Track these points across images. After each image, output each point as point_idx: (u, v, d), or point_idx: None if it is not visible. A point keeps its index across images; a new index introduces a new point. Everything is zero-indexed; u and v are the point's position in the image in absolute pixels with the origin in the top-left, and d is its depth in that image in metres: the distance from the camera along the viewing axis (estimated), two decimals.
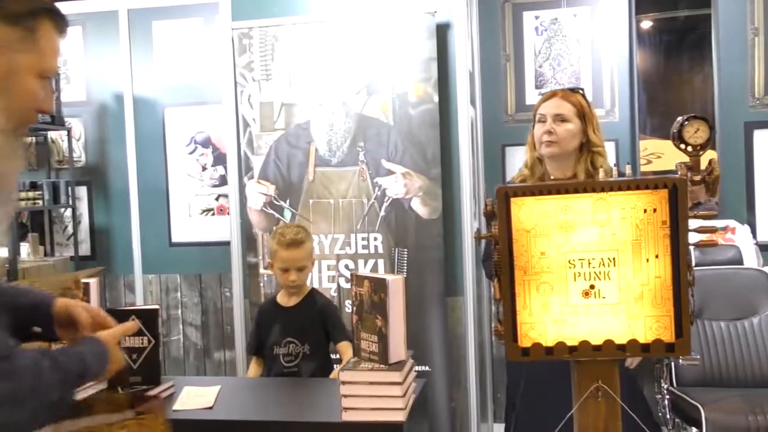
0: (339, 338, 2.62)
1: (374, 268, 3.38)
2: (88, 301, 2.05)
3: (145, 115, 4.16)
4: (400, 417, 1.72)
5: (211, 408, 1.88)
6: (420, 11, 3.32)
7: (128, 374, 1.98)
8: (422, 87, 3.31)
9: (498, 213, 1.81)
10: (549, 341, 1.83)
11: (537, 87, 4.29)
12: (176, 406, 1.89)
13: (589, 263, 1.81)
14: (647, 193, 1.79)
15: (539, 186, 1.80)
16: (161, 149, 4.34)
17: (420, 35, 3.31)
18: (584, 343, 1.81)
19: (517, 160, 3.63)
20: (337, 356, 2.69)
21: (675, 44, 5.36)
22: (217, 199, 4.33)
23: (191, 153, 4.39)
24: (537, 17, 4.41)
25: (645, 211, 1.79)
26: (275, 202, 3.47)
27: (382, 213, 3.36)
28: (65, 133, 4.36)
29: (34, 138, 4.48)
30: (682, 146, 1.86)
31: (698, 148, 1.84)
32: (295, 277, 2.61)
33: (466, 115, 3.33)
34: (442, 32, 3.38)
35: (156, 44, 4.34)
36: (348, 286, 3.36)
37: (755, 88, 4.04)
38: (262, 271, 3.51)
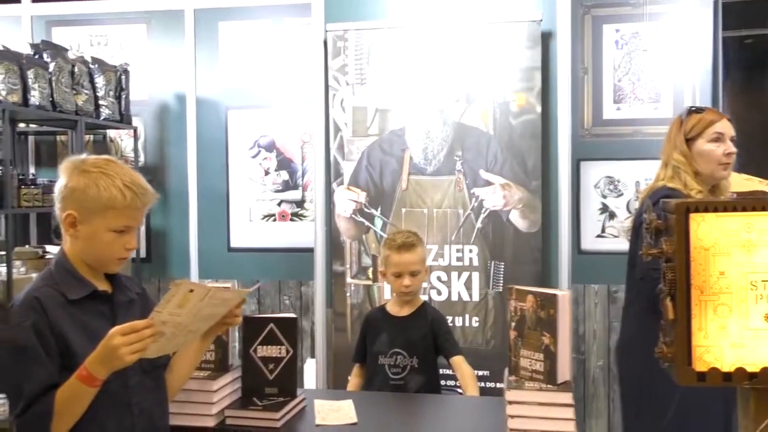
0: (453, 352, 2.58)
1: (468, 281, 3.34)
2: None
3: (207, 116, 4.14)
4: None
5: (355, 424, 1.83)
6: (525, 19, 3.29)
7: (263, 385, 1.94)
8: (524, 96, 3.28)
9: (676, 229, 1.76)
10: (726, 366, 1.77)
11: (615, 102, 4.23)
12: (318, 421, 1.84)
13: None
14: None
15: (723, 202, 1.75)
16: (223, 152, 4.31)
17: (523, 43, 3.28)
18: (766, 370, 1.75)
19: (591, 176, 3.58)
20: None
21: (763, 64, 5.31)
22: (279, 204, 4.29)
23: (254, 157, 4.35)
24: (617, 30, 4.35)
25: None
26: (366, 209, 3.44)
27: (479, 225, 3.33)
28: (126, 132, 4.33)
29: (92, 136, 4.46)
30: None
31: None
32: (409, 282, 2.58)
33: (567, 127, 3.29)
34: (544, 41, 3.35)
35: (221, 45, 4.32)
36: (440, 298, 3.32)
37: None
38: (349, 280, 3.47)
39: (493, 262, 3.33)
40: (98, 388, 1.43)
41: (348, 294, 3.48)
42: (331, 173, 3.51)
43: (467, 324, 3.32)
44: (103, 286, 1.57)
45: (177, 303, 1.43)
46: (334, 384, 3.40)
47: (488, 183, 3.32)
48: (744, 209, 1.76)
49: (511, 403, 1.70)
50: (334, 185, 3.50)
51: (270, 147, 4.31)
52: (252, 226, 4.29)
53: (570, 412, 1.68)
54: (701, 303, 1.79)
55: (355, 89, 3.44)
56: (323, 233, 3.55)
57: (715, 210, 1.76)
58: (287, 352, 1.94)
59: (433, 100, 3.37)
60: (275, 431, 1.79)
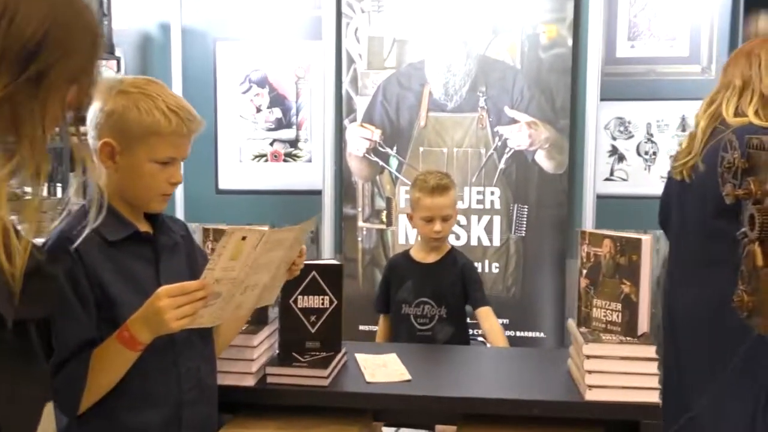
0: (481, 303, 2.45)
1: (489, 225, 3.21)
2: None
3: (193, 48, 3.84)
4: (654, 398, 1.55)
5: (410, 381, 1.69)
6: None
7: (304, 339, 1.78)
8: (555, 28, 3.09)
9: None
10: None
11: (630, 39, 4.05)
12: (369, 379, 1.70)
13: None
14: None
15: None
16: (211, 87, 4.04)
17: None
18: None
19: (605, 115, 3.42)
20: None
21: None
22: (271, 144, 4.06)
23: (245, 93, 4.10)
24: None
25: None
26: (380, 148, 3.26)
27: (502, 165, 3.18)
28: (106, 64, 4.04)
29: None
30: None
31: None
32: (440, 228, 2.43)
33: (597, 62, 3.12)
34: None
35: None
36: (459, 243, 3.18)
37: None
38: (361, 224, 3.31)
39: (516, 205, 3.19)
40: (141, 353, 1.26)
41: (360, 239, 3.31)
42: (343, 109, 3.30)
43: (487, 270, 3.19)
44: (144, 227, 1.39)
45: (229, 255, 1.25)
46: (345, 333, 3.26)
47: (513, 121, 3.15)
48: None
49: (589, 357, 1.56)
50: (345, 122, 3.30)
51: (262, 82, 4.03)
52: (242, 167, 4.06)
53: (654, 367, 1.56)
54: None
55: (371, 17, 3.21)
56: (332, 173, 3.36)
57: None
58: (331, 302, 1.78)
59: (456, 30, 3.16)
60: (322, 390, 1.64)
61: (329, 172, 3.36)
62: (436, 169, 2.67)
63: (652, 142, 3.60)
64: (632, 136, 3.56)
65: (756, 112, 1.97)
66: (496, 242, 3.21)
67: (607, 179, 3.46)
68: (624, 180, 3.57)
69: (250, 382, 1.65)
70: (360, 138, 3.27)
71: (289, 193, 3.64)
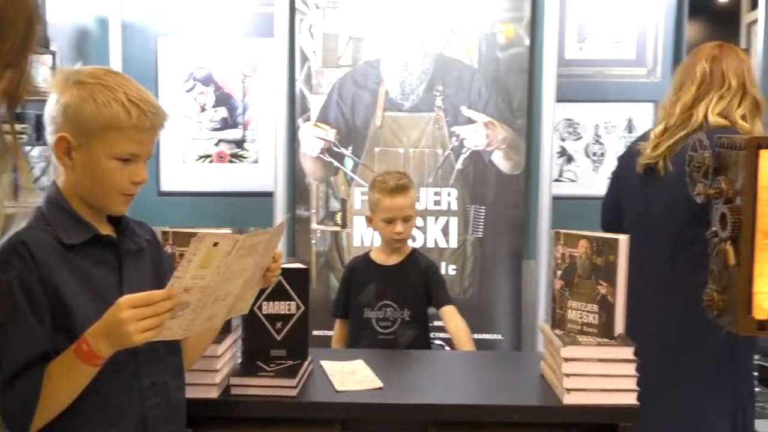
0: (444, 302, 2.42)
1: (446, 227, 3.17)
2: None
3: (133, 44, 3.68)
4: (632, 400, 1.52)
5: (381, 388, 1.63)
6: None
7: (269, 347, 1.70)
8: (512, 28, 3.08)
9: (744, 166, 1.61)
10: None
11: (579, 41, 4.10)
12: (339, 387, 1.63)
13: None
14: None
15: None
16: (152, 85, 3.88)
17: None
18: None
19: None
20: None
21: (729, 12, 5.33)
22: (217, 144, 3.94)
23: (189, 91, 3.97)
24: None
25: None
26: (335, 148, 3.19)
27: (459, 166, 3.15)
28: (38, 58, 3.83)
29: None
30: None
31: None
32: (402, 229, 2.39)
33: (554, 63, 3.12)
34: None
35: None
36: (415, 245, 3.12)
37: None
38: (314, 226, 3.23)
39: (473, 206, 3.16)
40: (100, 367, 1.16)
41: (313, 241, 3.23)
42: (296, 108, 3.21)
43: (444, 272, 3.13)
44: (106, 230, 1.28)
45: (200, 263, 1.15)
46: None
47: (470, 121, 3.12)
48: None
49: (567, 360, 1.53)
50: (299, 121, 3.21)
51: (207, 80, 3.90)
52: (186, 168, 3.92)
53: (632, 368, 1.53)
54: (764, 247, 1.66)
55: (325, 13, 3.14)
56: (285, 174, 3.26)
57: None
58: (297, 308, 1.70)
59: (413, 28, 3.11)
60: (291, 401, 1.56)
61: (281, 172, 3.26)
62: (395, 170, 2.62)
63: (600, 143, 3.64)
64: (581, 138, 3.59)
65: (743, 117, 1.97)
66: (453, 244, 3.18)
67: (556, 180, 3.48)
68: (573, 181, 3.60)
69: (213, 394, 1.56)
70: (314, 138, 3.19)
71: (235, 195, 3.53)
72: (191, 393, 1.52)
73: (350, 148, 3.18)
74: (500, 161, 3.14)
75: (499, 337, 3.15)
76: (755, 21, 4.80)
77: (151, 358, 1.27)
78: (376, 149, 3.16)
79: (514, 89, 3.11)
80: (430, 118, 3.13)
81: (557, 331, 1.65)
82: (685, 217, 1.92)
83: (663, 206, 2.02)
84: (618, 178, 2.26)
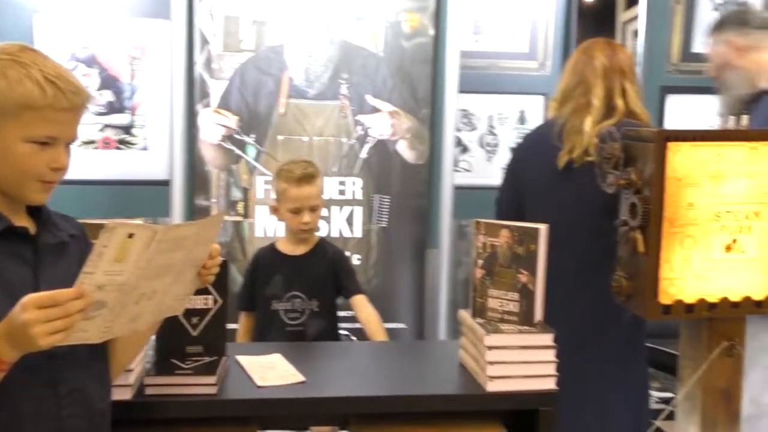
0: (355, 291, 2.43)
1: (350, 217, 3.15)
2: None
3: (6, 22, 3.42)
4: (552, 385, 1.57)
5: (304, 382, 1.59)
6: None
7: (185, 343, 1.62)
8: (418, 18, 3.09)
9: (653, 158, 1.69)
10: (688, 298, 1.76)
11: (474, 33, 4.18)
12: (260, 383, 1.58)
13: (735, 216, 1.76)
14: None
15: (700, 132, 1.70)
16: None
17: None
18: (724, 300, 1.77)
19: None
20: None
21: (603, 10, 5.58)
22: (102, 129, 3.74)
23: None
24: None
25: None
26: (237, 136, 3.09)
27: (364, 155, 3.13)
28: None
29: None
30: None
31: None
32: (309, 219, 2.36)
33: (457, 53, 3.16)
34: None
35: None
36: (319, 235, 3.08)
37: (671, 54, 4.20)
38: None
39: (377, 196, 3.16)
40: (5, 372, 1.06)
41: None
42: (196, 93, 3.09)
43: None
44: (22, 221, 1.17)
45: (113, 256, 1.06)
46: None
47: (376, 110, 3.11)
48: (720, 139, 1.74)
49: (491, 348, 1.55)
50: (198, 107, 3.08)
51: (91, 62, 3.67)
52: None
53: (552, 354, 1.57)
54: (670, 235, 1.75)
55: None
56: (183, 162, 3.13)
57: (693, 139, 1.72)
58: (215, 301, 1.63)
59: (318, 14, 3.05)
60: (211, 399, 1.50)
61: (179, 160, 3.13)
62: (300, 158, 2.58)
63: (494, 134, 3.73)
64: (475, 128, 3.67)
65: (636, 102, 2.09)
66: (358, 233, 3.16)
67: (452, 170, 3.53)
68: (468, 171, 3.67)
69: (126, 395, 1.47)
70: (215, 124, 3.07)
71: (124, 183, 3.35)
72: None
73: (253, 135, 3.09)
74: (405, 151, 3.15)
75: (403, 326, 3.16)
76: (631, 20, 5.07)
77: (72, 362, 1.17)
78: (280, 137, 3.09)
79: (418, 79, 3.13)
80: (335, 106, 3.09)
81: (478, 320, 1.67)
82: (602, 207, 1.97)
83: (578, 199, 2.09)
84: (517, 172, 2.30)
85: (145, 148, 3.33)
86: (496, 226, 1.65)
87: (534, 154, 2.25)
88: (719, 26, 2.56)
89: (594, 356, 2.04)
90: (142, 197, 3.31)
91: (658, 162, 1.68)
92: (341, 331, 2.66)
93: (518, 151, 2.36)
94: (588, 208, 2.05)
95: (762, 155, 1.74)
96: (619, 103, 2.11)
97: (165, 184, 3.23)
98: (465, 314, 1.73)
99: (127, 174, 3.32)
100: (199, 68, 3.06)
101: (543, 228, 1.61)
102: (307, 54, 3.06)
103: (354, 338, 2.92)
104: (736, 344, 1.79)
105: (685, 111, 3.99)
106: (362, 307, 2.39)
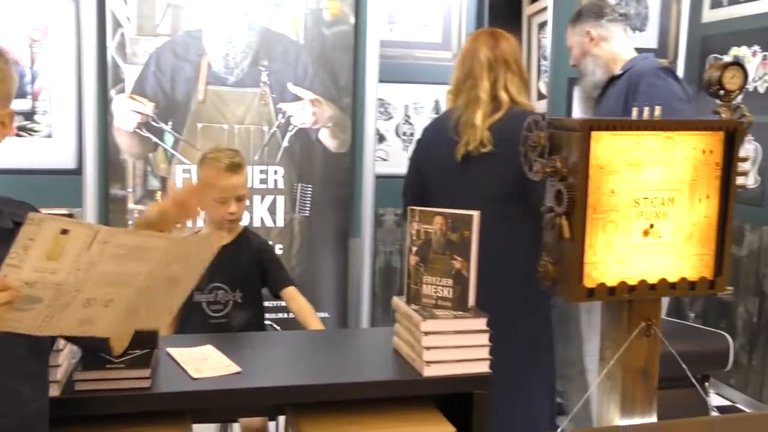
0: (285, 283, 2.39)
1: (272, 206, 3.11)
2: None
3: None
4: (485, 368, 1.61)
5: (240, 373, 1.57)
6: None
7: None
8: (338, 5, 3.08)
9: (578, 146, 1.76)
10: (610, 281, 1.85)
11: (389, 23, 4.22)
12: (195, 375, 1.55)
13: (651, 202, 1.85)
14: (708, 134, 1.87)
15: (620, 121, 1.78)
16: None
17: None
18: (642, 283, 1.86)
19: None
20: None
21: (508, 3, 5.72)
22: None
23: None
24: None
25: (703, 152, 1.87)
26: (153, 123, 3.00)
27: (285, 143, 3.10)
28: None
29: None
30: (721, 91, 1.96)
31: (732, 93, 1.96)
32: (236, 209, 2.32)
33: (377, 42, 3.17)
34: None
35: None
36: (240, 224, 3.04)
37: None
38: (132, 206, 3.02)
39: (299, 185, 3.14)
40: None
41: (131, 222, 3.02)
42: (108, 78, 2.97)
43: None
44: None
45: (44, 253, 0.99)
46: None
47: (297, 98, 3.09)
48: (638, 128, 1.82)
49: (427, 334, 1.57)
50: (112, 93, 2.97)
51: None
52: None
53: (485, 338, 1.62)
54: (593, 221, 1.83)
55: None
56: (96, 150, 3.01)
57: (614, 128, 1.80)
58: None
59: None
60: (146, 393, 1.46)
61: (91, 148, 3.00)
62: (225, 146, 2.52)
63: (410, 123, 3.77)
64: (391, 118, 3.69)
65: (519, 93, 2.23)
66: (280, 223, 3.14)
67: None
68: (384, 160, 3.70)
69: (55, 392, 1.41)
70: (129, 111, 2.97)
71: (27, 172, 3.19)
72: None
73: (170, 123, 3.01)
74: (327, 139, 3.15)
75: (326, 314, 3.16)
76: (536, 12, 5.22)
77: (5, 360, 1.11)
78: (199, 125, 3.03)
79: (340, 67, 3.12)
80: (256, 93, 3.05)
81: (413, 306, 1.69)
82: (499, 190, 2.18)
83: (476, 183, 2.21)
84: (420, 162, 2.38)
85: (49, 136, 3.18)
86: (430, 213, 1.68)
87: (435, 145, 2.34)
88: (577, 18, 2.77)
89: (506, 340, 2.12)
90: (48, 186, 3.16)
91: (582, 150, 1.75)
92: (266, 322, 2.63)
93: (420, 143, 2.44)
94: (487, 194, 2.18)
95: (676, 144, 1.84)
96: (503, 96, 2.23)
97: (74, 173, 3.10)
98: (399, 301, 1.75)
99: (31, 163, 3.16)
100: (111, 52, 2.95)
101: (476, 215, 1.64)
102: (225, 40, 3.00)
103: (278, 328, 2.90)
104: (653, 325, 1.89)
105: None
106: (293, 298, 2.36)
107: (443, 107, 3.99)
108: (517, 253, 2.17)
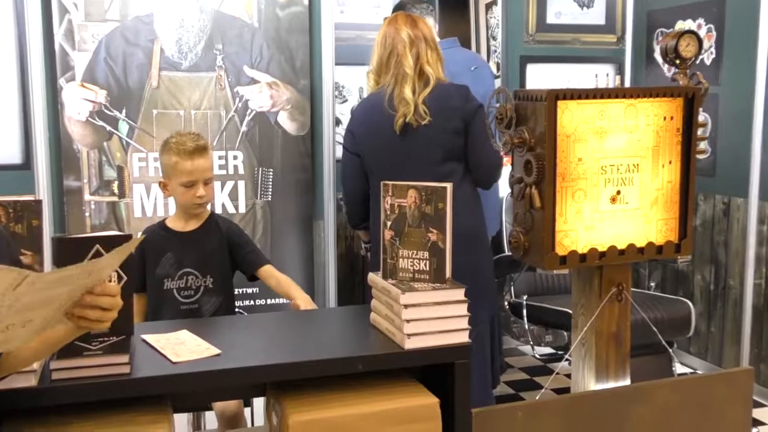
0: (261, 261, 2.39)
1: (234, 192, 3.09)
2: None
3: None
4: (465, 338, 1.64)
5: (219, 355, 1.57)
6: None
7: None
8: None
9: (546, 116, 1.79)
10: (581, 248, 1.90)
11: (339, 4, 4.21)
12: (174, 359, 1.53)
13: (617, 169, 1.91)
14: (668, 100, 1.94)
15: (584, 90, 1.82)
16: None
17: None
18: (612, 249, 1.92)
19: None
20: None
21: None
22: None
23: None
24: None
25: (664, 118, 1.93)
26: (107, 111, 2.94)
27: (244, 128, 3.08)
28: None
29: None
30: (677, 60, 2.02)
31: (687, 61, 2.02)
32: (204, 192, 2.30)
33: (332, 23, 3.16)
34: None
35: None
36: None
37: (529, 26, 4.44)
38: (87, 197, 2.95)
39: (260, 169, 3.12)
40: None
41: (87, 214, 2.96)
42: (57, 66, 2.89)
43: None
44: None
45: None
46: None
47: (254, 81, 3.06)
48: (602, 97, 1.87)
49: (407, 306, 1.59)
50: (61, 81, 2.89)
51: None
52: None
53: (464, 308, 1.64)
54: (563, 189, 1.87)
55: None
56: (46, 141, 2.92)
57: (579, 97, 1.84)
58: (120, 278, 1.55)
59: None
60: (126, 379, 1.44)
61: (41, 139, 2.92)
62: (187, 131, 2.50)
63: None
64: (346, 101, 3.69)
65: (439, 69, 2.42)
66: (242, 209, 3.12)
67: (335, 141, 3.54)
68: (339, 143, 3.70)
69: (31, 381, 1.38)
70: (81, 100, 2.90)
71: None
72: (3, 384, 1.34)
73: (124, 110, 2.96)
74: (286, 122, 3.13)
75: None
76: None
77: None
78: (154, 111, 2.98)
79: (296, 49, 3.10)
80: (211, 78, 3.02)
81: (390, 281, 1.70)
82: (441, 155, 2.38)
83: (420, 151, 2.39)
84: (359, 145, 2.50)
85: None
86: (403, 187, 1.69)
87: (370, 121, 2.48)
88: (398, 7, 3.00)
89: None
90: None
91: (549, 120, 1.79)
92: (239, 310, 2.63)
93: (353, 122, 2.57)
94: (431, 159, 2.38)
95: (638, 111, 1.90)
96: (428, 69, 2.40)
97: (21, 167, 3.01)
98: (376, 277, 1.76)
99: None
100: (59, 39, 2.87)
101: (449, 186, 1.66)
102: (177, 24, 2.95)
103: (243, 312, 2.89)
104: (624, 289, 1.95)
105: (543, 78, 4.23)
106: (271, 275, 2.37)
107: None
108: (463, 209, 2.26)
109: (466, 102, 2.38)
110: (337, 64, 3.37)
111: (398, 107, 2.39)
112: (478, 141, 2.36)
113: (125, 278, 1.57)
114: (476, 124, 2.36)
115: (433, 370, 1.67)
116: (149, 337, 1.66)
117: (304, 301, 2.22)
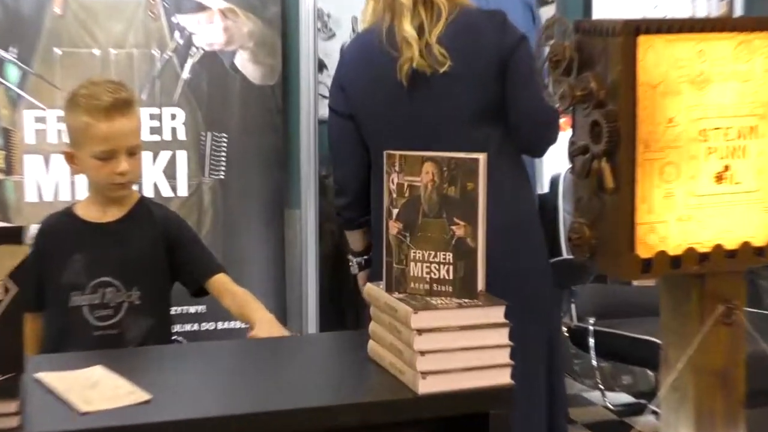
0: (212, 269, 2.42)
1: (170, 167, 3.14)
2: None
3: None
4: (506, 378, 1.63)
5: (149, 402, 1.57)
6: None
7: None
8: None
9: (621, 58, 1.77)
10: (672, 249, 1.88)
11: None
12: (84, 408, 1.54)
13: (725, 134, 1.89)
14: None
15: (678, 21, 1.80)
16: None
17: None
18: (718, 249, 1.89)
19: None
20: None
21: None
22: None
23: None
24: None
25: None
26: None
27: (186, 75, 3.14)
28: None
29: None
30: None
31: None
32: (127, 167, 2.31)
33: None
34: None
35: None
36: None
37: None
38: None
39: (209, 134, 3.18)
40: None
41: None
42: None
43: None
44: None
45: None
46: None
47: (201, 8, 3.11)
48: (703, 30, 1.85)
49: (421, 332, 1.58)
50: None
51: None
52: None
53: (505, 335, 1.63)
54: (645, 164, 1.85)
55: None
56: None
57: (668, 31, 1.82)
58: (6, 290, 1.55)
59: None
60: None
61: None
62: (103, 78, 2.52)
63: None
64: (334, 36, 3.69)
65: None
66: (183, 191, 3.18)
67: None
68: (324, 97, 3.70)
69: None
70: None
71: None
72: None
73: (14, 49, 3.01)
74: (247, 67, 3.19)
75: None
76: None
77: None
78: (57, 51, 3.05)
79: None
80: (140, 4, 3.07)
81: (397, 295, 1.69)
82: (469, 115, 2.37)
83: (439, 110, 2.39)
84: (351, 100, 2.50)
85: None
86: (417, 158, 1.67)
87: (367, 69, 2.48)
88: None
89: None
90: None
91: (626, 63, 1.77)
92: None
93: (343, 69, 2.58)
94: (454, 119, 2.38)
95: (755, 51, 1.87)
96: None
97: None
98: (376, 289, 1.75)
99: None
100: None
101: (482, 157, 1.64)
102: None
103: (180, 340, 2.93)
104: (735, 308, 1.93)
105: (617, 4, 4.26)
106: (227, 289, 2.40)
107: None
108: (502, 190, 2.26)
109: (503, 34, 2.37)
110: None
111: (401, 47, 2.37)
112: (520, 87, 2.35)
113: (13, 290, 1.58)
114: (518, 64, 2.35)
115: (459, 423, 1.67)
116: (48, 377, 1.68)
117: (266, 323, 2.22)
